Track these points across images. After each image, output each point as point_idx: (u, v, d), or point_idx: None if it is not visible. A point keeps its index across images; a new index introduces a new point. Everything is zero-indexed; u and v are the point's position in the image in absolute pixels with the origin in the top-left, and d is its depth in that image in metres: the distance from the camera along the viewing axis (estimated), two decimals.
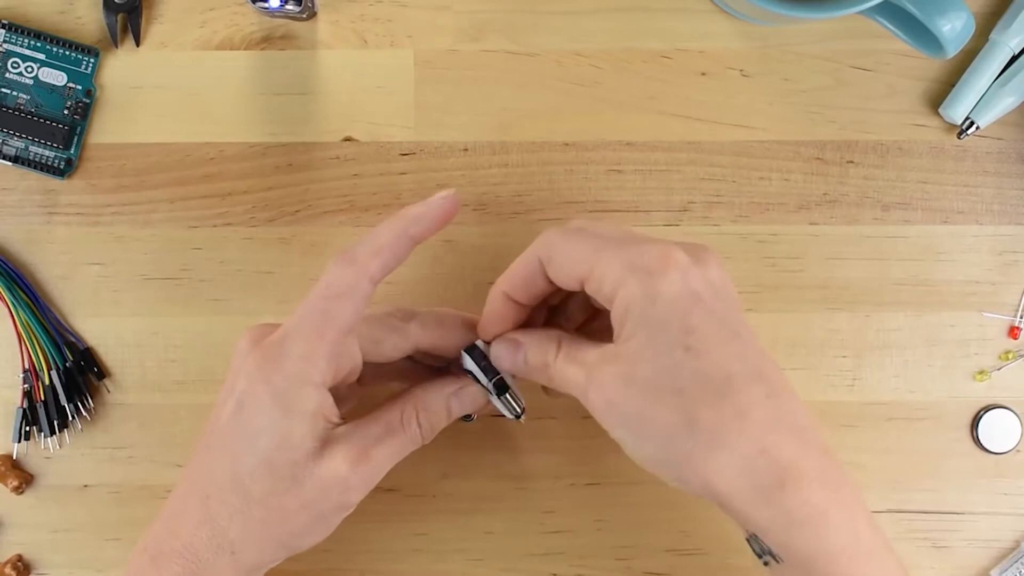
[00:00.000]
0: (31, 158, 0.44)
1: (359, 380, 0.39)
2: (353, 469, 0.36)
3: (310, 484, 0.35)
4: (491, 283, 0.45)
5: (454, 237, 0.45)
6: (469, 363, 0.39)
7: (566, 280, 0.36)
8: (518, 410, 0.40)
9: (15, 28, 0.44)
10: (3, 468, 0.44)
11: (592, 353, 0.35)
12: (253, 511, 0.35)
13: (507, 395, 0.39)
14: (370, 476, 0.37)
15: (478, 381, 0.39)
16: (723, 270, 0.35)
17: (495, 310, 0.39)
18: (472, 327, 0.40)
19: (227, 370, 0.37)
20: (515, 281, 0.38)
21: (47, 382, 0.44)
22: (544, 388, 0.39)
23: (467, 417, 0.40)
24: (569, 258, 0.35)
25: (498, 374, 0.39)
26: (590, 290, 0.35)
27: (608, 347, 0.35)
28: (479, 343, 0.39)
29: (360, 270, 0.36)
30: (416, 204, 0.37)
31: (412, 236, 0.37)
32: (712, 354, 0.33)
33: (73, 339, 0.45)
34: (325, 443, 0.36)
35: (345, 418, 0.37)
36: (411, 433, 0.38)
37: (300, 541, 0.37)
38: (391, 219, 0.37)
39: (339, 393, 0.37)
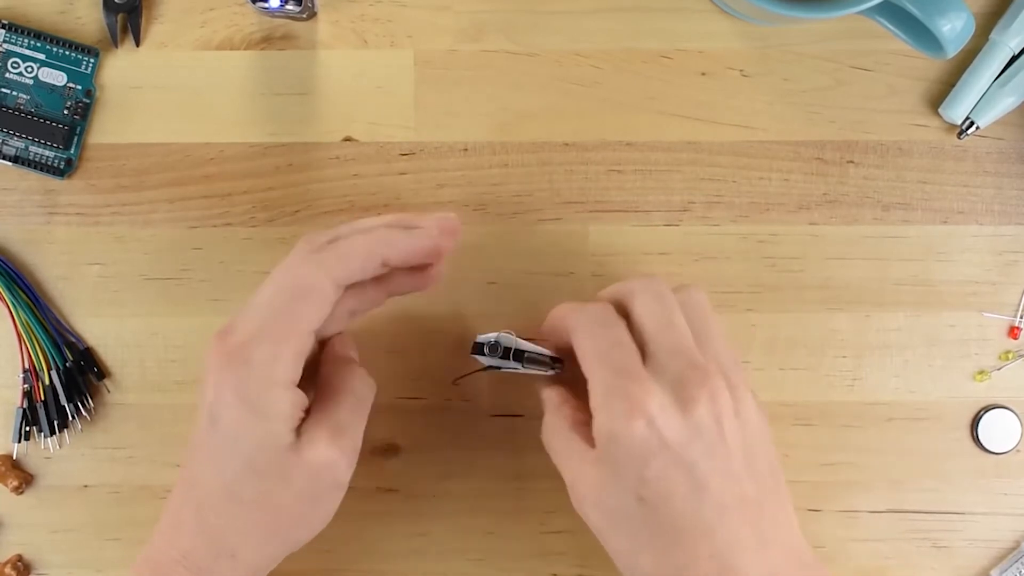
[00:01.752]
0: (31, 158, 0.44)
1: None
2: (335, 446, 0.36)
3: (298, 475, 0.36)
4: (491, 283, 0.45)
5: None
6: (487, 361, 0.40)
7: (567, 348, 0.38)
8: (551, 365, 0.40)
9: (15, 28, 0.44)
10: (3, 468, 0.44)
11: (575, 455, 0.36)
12: (248, 514, 0.36)
13: (534, 361, 0.40)
14: (352, 447, 0.37)
15: (499, 368, 0.40)
16: (717, 405, 0.34)
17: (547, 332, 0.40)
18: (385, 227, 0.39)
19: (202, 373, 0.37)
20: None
21: (47, 382, 0.44)
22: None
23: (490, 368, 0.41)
24: (576, 342, 0.36)
25: (521, 353, 0.40)
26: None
27: (588, 455, 0.35)
28: (479, 338, 0.40)
29: (326, 274, 0.36)
30: (408, 221, 0.38)
31: (384, 260, 0.37)
32: (663, 508, 0.34)
33: (73, 339, 0.45)
34: (303, 433, 0.36)
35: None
36: (362, 389, 0.39)
37: (300, 533, 0.37)
38: (373, 230, 0.37)
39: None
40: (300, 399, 0.36)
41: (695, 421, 0.34)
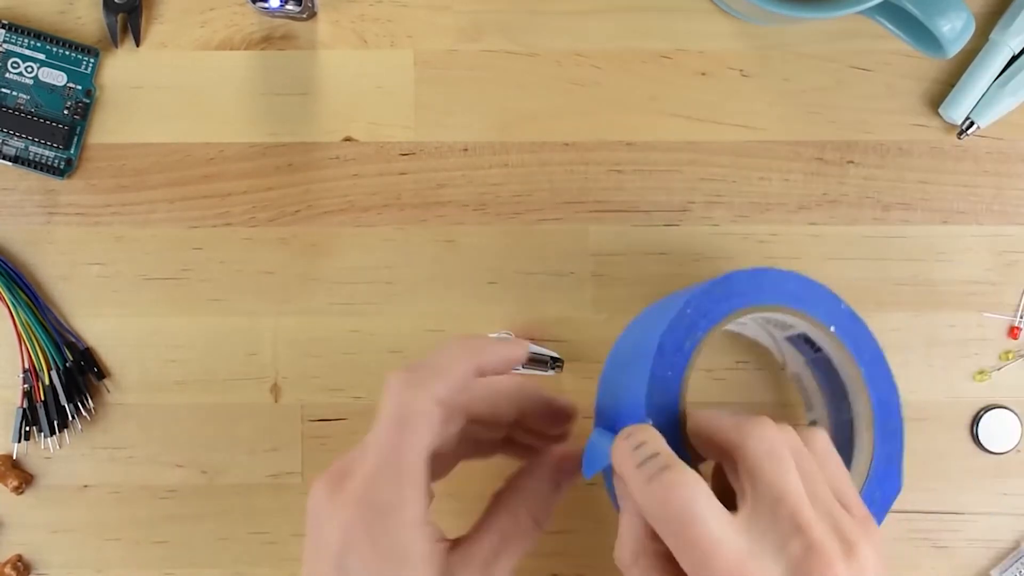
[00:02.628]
0: (31, 158, 0.44)
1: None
2: None
3: None
4: (491, 283, 0.45)
5: (454, 237, 0.45)
6: (523, 370, 0.41)
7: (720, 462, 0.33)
8: (551, 365, 0.41)
9: (15, 28, 0.44)
10: (3, 468, 0.44)
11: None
12: None
13: (534, 362, 0.41)
14: None
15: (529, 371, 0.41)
16: (872, 563, 0.30)
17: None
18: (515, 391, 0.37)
19: (305, 526, 0.34)
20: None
21: (47, 382, 0.44)
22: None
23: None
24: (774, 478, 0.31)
25: (556, 359, 0.41)
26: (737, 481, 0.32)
27: None
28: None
29: (426, 393, 0.33)
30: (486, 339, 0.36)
31: (477, 366, 0.34)
32: None
33: (73, 339, 0.45)
34: (450, 572, 0.32)
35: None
36: (527, 533, 0.35)
37: None
38: (458, 344, 0.35)
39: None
40: (433, 532, 0.33)
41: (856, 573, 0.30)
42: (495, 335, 0.41)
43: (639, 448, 0.31)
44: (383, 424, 0.33)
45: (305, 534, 0.33)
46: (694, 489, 0.30)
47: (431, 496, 0.34)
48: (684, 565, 0.30)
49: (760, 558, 0.29)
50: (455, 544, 0.34)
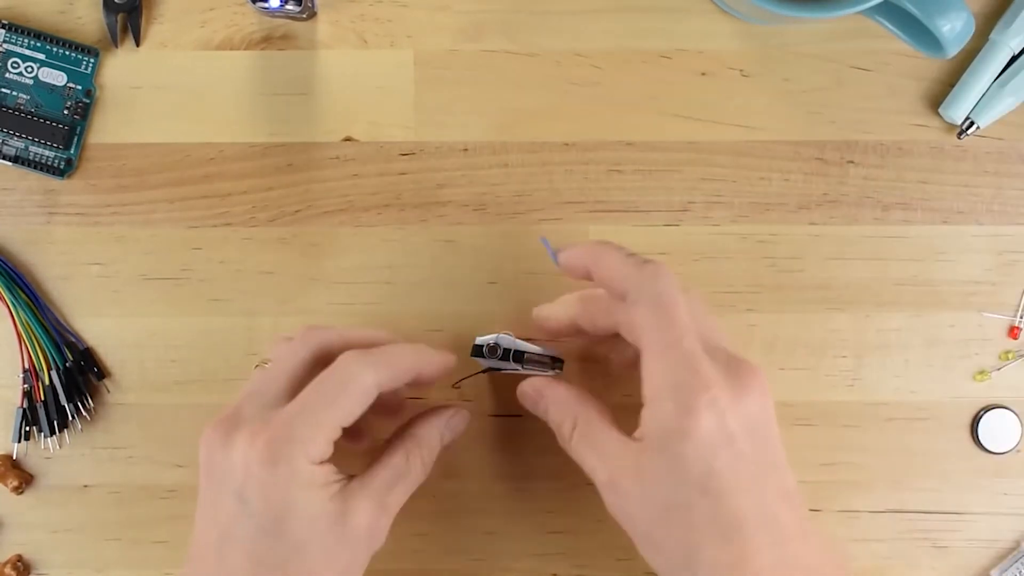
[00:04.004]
0: (31, 158, 0.44)
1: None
2: (376, 521, 0.36)
3: (342, 547, 0.35)
4: (491, 283, 0.45)
5: (454, 237, 0.45)
6: (487, 363, 0.41)
7: (620, 333, 0.37)
8: (552, 365, 0.41)
9: (15, 28, 0.44)
10: (3, 468, 0.44)
11: (614, 446, 0.35)
12: None
13: (534, 363, 0.41)
14: (388, 522, 0.37)
15: (502, 369, 0.41)
16: (766, 398, 0.35)
17: (557, 315, 0.40)
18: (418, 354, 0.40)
19: (197, 467, 0.36)
20: (592, 307, 0.39)
21: (47, 382, 0.44)
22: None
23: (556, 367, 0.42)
24: (633, 331, 0.36)
25: (521, 354, 0.41)
26: (641, 371, 0.35)
27: (629, 445, 0.35)
28: (478, 339, 0.41)
29: (374, 374, 0.36)
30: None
31: (418, 374, 0.38)
32: (727, 498, 0.33)
33: (73, 339, 0.45)
34: (345, 501, 0.35)
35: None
36: (416, 472, 0.39)
37: None
38: (411, 344, 0.39)
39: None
40: (333, 472, 0.36)
41: (750, 412, 0.34)
42: (494, 336, 0.41)
43: (622, 248, 0.37)
44: (325, 379, 0.36)
45: (201, 478, 0.36)
46: (676, 278, 0.35)
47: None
48: (653, 340, 0.34)
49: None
50: (351, 478, 0.37)
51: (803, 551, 0.34)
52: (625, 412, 0.37)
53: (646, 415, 0.34)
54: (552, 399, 0.39)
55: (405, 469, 0.38)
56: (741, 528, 0.33)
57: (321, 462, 0.35)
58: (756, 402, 0.34)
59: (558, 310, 0.40)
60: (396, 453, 0.38)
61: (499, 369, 0.41)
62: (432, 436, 0.40)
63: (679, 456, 0.33)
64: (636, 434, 0.35)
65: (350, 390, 0.36)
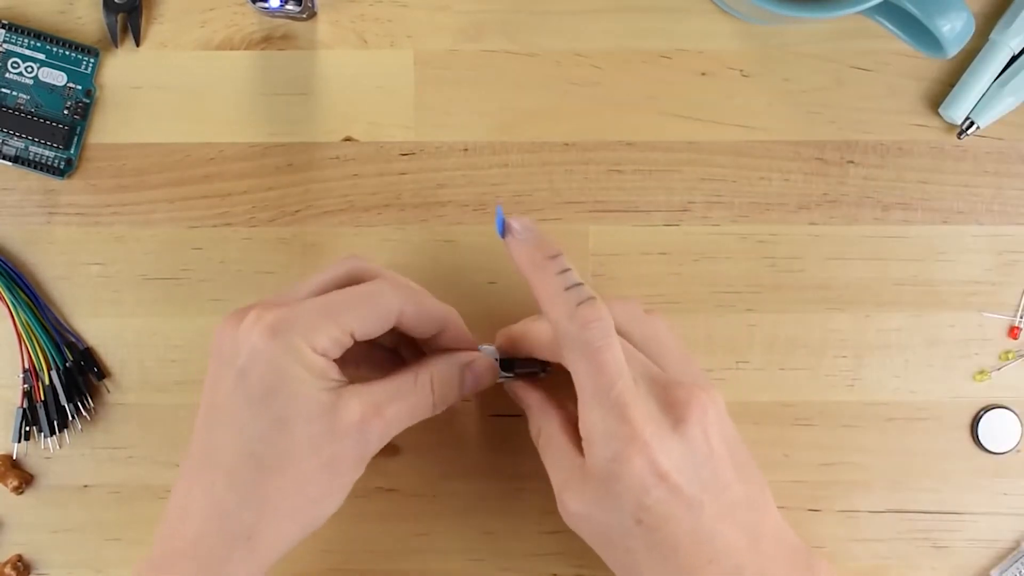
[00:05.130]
0: (31, 158, 0.44)
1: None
2: (368, 420, 0.35)
3: (327, 438, 0.34)
4: (491, 283, 0.45)
5: (454, 237, 0.45)
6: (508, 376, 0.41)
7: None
8: (542, 368, 0.41)
9: (15, 28, 0.44)
10: (3, 468, 0.45)
11: (565, 460, 0.36)
12: (269, 481, 0.34)
13: (524, 368, 0.41)
14: (384, 431, 0.36)
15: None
16: (706, 421, 0.35)
17: (525, 343, 0.40)
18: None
19: (210, 354, 0.36)
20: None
21: (47, 382, 0.44)
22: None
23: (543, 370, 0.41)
24: (574, 372, 0.35)
25: (509, 363, 0.41)
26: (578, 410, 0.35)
27: (576, 463, 0.36)
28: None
29: (399, 299, 0.37)
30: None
31: (442, 323, 0.39)
32: (662, 529, 0.34)
33: (73, 339, 0.45)
34: (339, 396, 0.35)
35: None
36: (423, 396, 0.38)
37: (319, 510, 0.36)
38: (442, 305, 0.39)
39: None
40: (336, 368, 0.35)
41: (687, 441, 0.35)
42: (479, 347, 0.41)
43: (565, 273, 0.35)
44: (351, 288, 0.36)
45: (209, 365, 0.36)
46: (610, 323, 0.34)
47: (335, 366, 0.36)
48: (584, 387, 0.34)
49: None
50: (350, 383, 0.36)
51: (748, 560, 0.35)
52: None
53: (585, 449, 0.35)
54: (526, 404, 0.40)
55: (410, 388, 0.37)
56: (676, 550, 0.34)
57: (324, 354, 0.35)
58: (692, 432, 0.35)
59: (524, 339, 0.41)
60: (406, 372, 0.38)
61: None
62: (448, 369, 0.39)
63: (613, 492, 0.34)
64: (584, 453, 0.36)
65: (373, 302, 0.36)
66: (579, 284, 0.35)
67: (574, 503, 0.35)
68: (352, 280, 0.38)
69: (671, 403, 0.35)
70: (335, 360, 0.36)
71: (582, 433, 0.35)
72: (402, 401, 0.37)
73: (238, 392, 0.34)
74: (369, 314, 0.36)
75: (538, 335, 0.39)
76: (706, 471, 0.35)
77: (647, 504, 0.34)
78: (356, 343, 0.36)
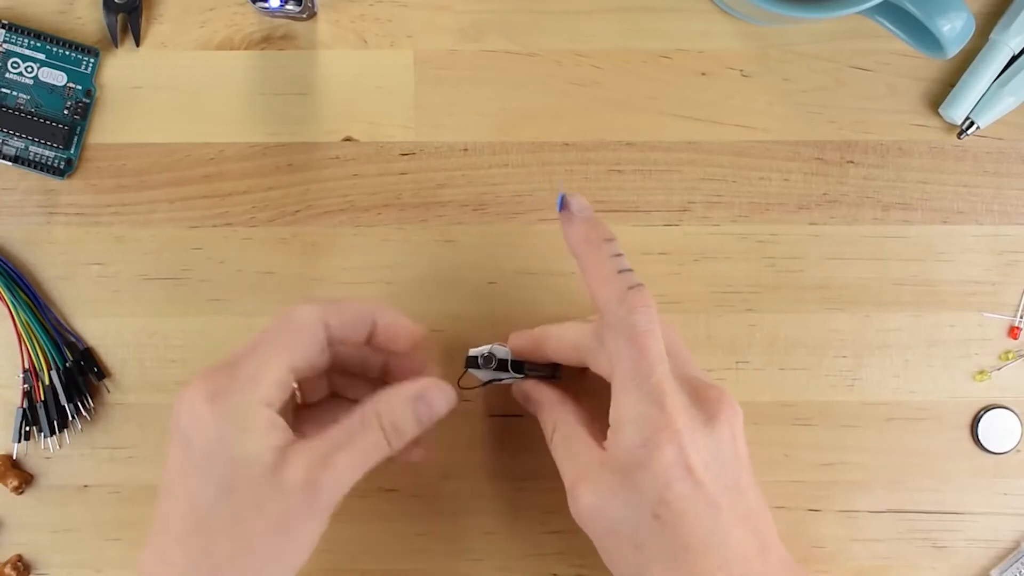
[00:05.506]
0: (31, 158, 0.44)
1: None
2: (315, 476, 0.34)
3: (274, 500, 0.34)
4: (491, 283, 0.45)
5: (454, 237, 0.45)
6: (484, 375, 0.40)
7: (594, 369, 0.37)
8: (552, 373, 0.41)
9: (15, 28, 0.44)
10: (3, 468, 0.44)
11: (583, 453, 0.36)
12: (218, 547, 0.34)
13: (535, 371, 0.41)
14: (337, 482, 0.35)
15: (501, 380, 0.41)
16: (734, 424, 0.36)
17: (545, 346, 0.40)
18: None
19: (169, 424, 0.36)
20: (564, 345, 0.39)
21: (47, 382, 0.44)
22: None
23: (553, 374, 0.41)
24: (600, 363, 0.36)
25: (520, 365, 0.40)
26: (612, 395, 0.35)
27: (595, 454, 0.36)
28: (471, 351, 0.40)
29: (318, 314, 0.36)
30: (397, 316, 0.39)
31: (374, 324, 0.38)
32: (678, 526, 0.34)
33: (73, 339, 0.45)
34: (284, 454, 0.34)
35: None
36: (374, 437, 0.36)
37: (277, 570, 0.35)
38: (368, 302, 0.39)
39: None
40: (280, 423, 0.35)
41: (717, 439, 0.35)
42: (487, 347, 0.41)
43: (618, 257, 0.35)
44: (268, 325, 0.36)
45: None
46: (656, 312, 0.35)
47: (291, 403, 0.37)
48: (624, 371, 0.34)
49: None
50: (299, 438, 0.35)
51: (756, 570, 0.35)
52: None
53: (611, 437, 0.35)
54: (540, 402, 0.40)
55: (358, 431, 0.35)
56: (688, 550, 0.34)
57: (268, 406, 0.35)
58: (722, 431, 0.35)
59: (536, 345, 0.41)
60: (353, 415, 0.36)
61: (499, 380, 0.41)
62: (397, 405, 0.36)
63: (635, 482, 0.34)
64: (604, 444, 0.35)
65: (294, 326, 0.36)
66: (630, 270, 0.35)
67: (589, 495, 0.35)
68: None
69: (703, 400, 0.35)
70: (302, 411, 0.37)
71: (612, 419, 0.35)
72: (351, 447, 0.35)
73: (186, 461, 0.34)
74: (295, 340, 0.36)
75: (560, 337, 0.39)
76: (730, 473, 0.35)
77: (668, 498, 0.34)
78: (311, 380, 0.37)
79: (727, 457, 0.35)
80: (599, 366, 0.36)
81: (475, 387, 0.41)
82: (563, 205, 0.36)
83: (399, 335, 0.39)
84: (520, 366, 0.41)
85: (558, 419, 0.38)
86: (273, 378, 0.35)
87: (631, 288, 0.35)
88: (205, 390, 0.34)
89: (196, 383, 0.35)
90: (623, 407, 0.35)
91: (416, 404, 0.37)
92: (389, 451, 0.36)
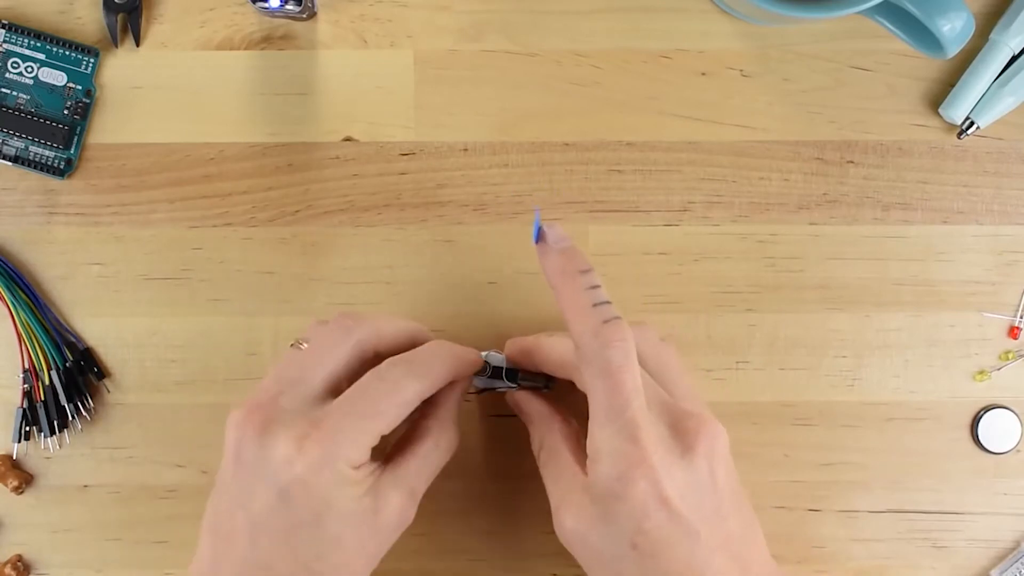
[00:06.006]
0: (31, 158, 0.44)
1: None
2: (405, 509, 0.37)
3: (374, 538, 0.36)
4: (491, 283, 0.45)
5: (454, 237, 0.45)
6: (478, 383, 0.41)
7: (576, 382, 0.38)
8: (544, 383, 0.42)
9: (15, 28, 0.44)
10: (3, 468, 0.45)
11: (566, 476, 0.37)
12: None
13: (529, 380, 0.41)
14: (416, 505, 0.38)
15: (493, 389, 0.42)
16: (714, 452, 0.35)
17: (535, 357, 0.41)
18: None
19: (224, 447, 0.37)
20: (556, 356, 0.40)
21: (47, 382, 0.44)
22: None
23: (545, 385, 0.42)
24: (587, 389, 0.36)
25: (514, 373, 0.41)
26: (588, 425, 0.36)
27: (577, 480, 0.36)
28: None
29: (418, 386, 0.38)
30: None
31: (412, 335, 0.40)
32: (657, 555, 0.34)
33: (73, 339, 0.45)
34: (377, 495, 0.36)
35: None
36: (443, 455, 0.39)
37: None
38: (448, 353, 0.40)
39: None
40: (368, 466, 0.37)
41: (694, 470, 0.35)
42: (484, 354, 0.41)
43: (594, 289, 0.35)
44: (369, 387, 0.37)
45: (229, 462, 0.36)
46: (632, 345, 0.34)
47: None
48: (599, 404, 0.34)
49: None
50: (383, 467, 0.38)
51: None
52: None
53: (590, 466, 0.35)
54: (529, 415, 0.40)
55: (432, 450, 0.39)
56: None
57: (359, 466, 0.36)
58: (699, 462, 0.35)
59: (530, 354, 0.41)
60: (425, 440, 0.39)
61: (494, 388, 0.41)
62: (452, 414, 0.40)
63: (614, 512, 0.34)
64: (586, 470, 0.35)
65: (395, 401, 0.37)
66: (607, 302, 0.35)
67: (571, 520, 0.35)
68: (355, 355, 0.38)
69: (681, 431, 0.35)
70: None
71: (589, 451, 0.35)
72: (428, 470, 0.39)
73: (283, 513, 0.35)
74: (395, 413, 0.37)
75: (549, 351, 0.39)
76: (708, 502, 0.35)
77: (646, 528, 0.34)
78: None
79: (705, 487, 0.35)
80: (583, 385, 0.36)
81: (470, 394, 0.42)
82: (539, 236, 0.35)
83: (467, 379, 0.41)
84: (514, 375, 0.41)
85: (544, 436, 0.39)
86: (367, 445, 0.36)
87: (606, 322, 0.34)
88: (307, 456, 0.35)
89: (289, 440, 0.35)
90: (599, 440, 0.34)
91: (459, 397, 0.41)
92: (450, 456, 0.40)
